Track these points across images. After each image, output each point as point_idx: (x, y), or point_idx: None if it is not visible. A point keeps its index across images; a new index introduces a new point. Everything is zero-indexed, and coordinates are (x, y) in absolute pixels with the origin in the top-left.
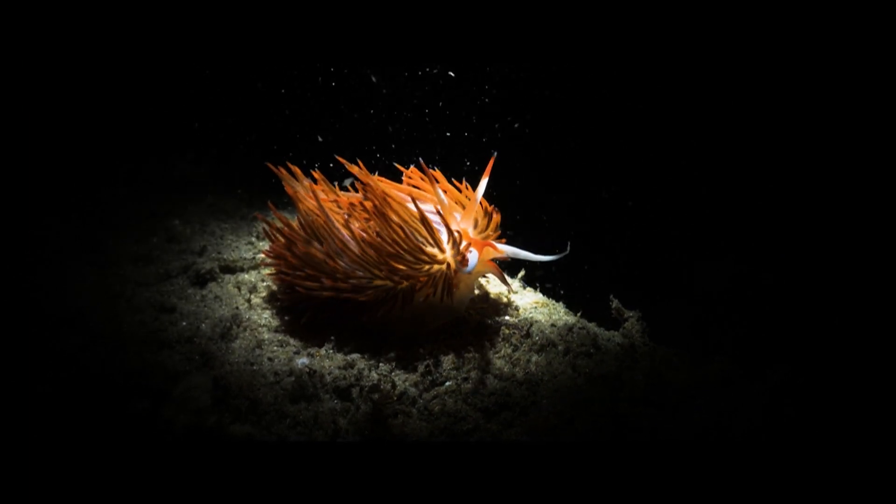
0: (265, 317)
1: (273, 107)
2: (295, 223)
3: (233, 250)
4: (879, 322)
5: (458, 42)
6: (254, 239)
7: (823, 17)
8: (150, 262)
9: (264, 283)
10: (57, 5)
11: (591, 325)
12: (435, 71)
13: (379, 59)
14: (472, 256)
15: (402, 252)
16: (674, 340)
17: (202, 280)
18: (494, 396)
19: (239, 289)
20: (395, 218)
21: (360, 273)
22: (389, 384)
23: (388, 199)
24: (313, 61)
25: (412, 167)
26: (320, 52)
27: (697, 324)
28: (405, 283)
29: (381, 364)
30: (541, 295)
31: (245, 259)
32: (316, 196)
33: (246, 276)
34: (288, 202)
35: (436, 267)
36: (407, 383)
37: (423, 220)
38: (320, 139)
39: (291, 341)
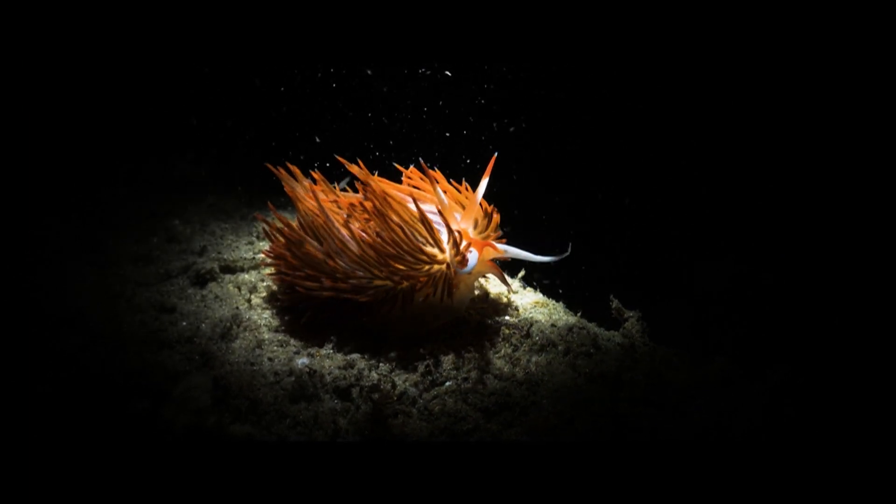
0: (265, 317)
1: (273, 107)
2: (295, 223)
3: (233, 250)
4: (879, 322)
5: (458, 42)
6: (254, 239)
7: (823, 17)
8: (150, 262)
9: (264, 283)
10: (57, 5)
11: (592, 325)
12: (428, 73)
13: (379, 59)
14: (472, 256)
15: (401, 252)
16: (674, 340)
17: (202, 280)
18: (494, 396)
19: (239, 289)
20: (395, 218)
21: (360, 273)
22: (389, 384)
23: (388, 199)
24: (312, 61)
25: (411, 167)
26: (319, 51)
27: (697, 324)
28: (405, 284)
29: (381, 364)
30: (541, 295)
31: (245, 259)
32: (316, 196)
33: (246, 276)
34: (288, 202)
35: (436, 267)
36: (407, 383)
37: (423, 220)
38: (318, 140)
39: (291, 341)
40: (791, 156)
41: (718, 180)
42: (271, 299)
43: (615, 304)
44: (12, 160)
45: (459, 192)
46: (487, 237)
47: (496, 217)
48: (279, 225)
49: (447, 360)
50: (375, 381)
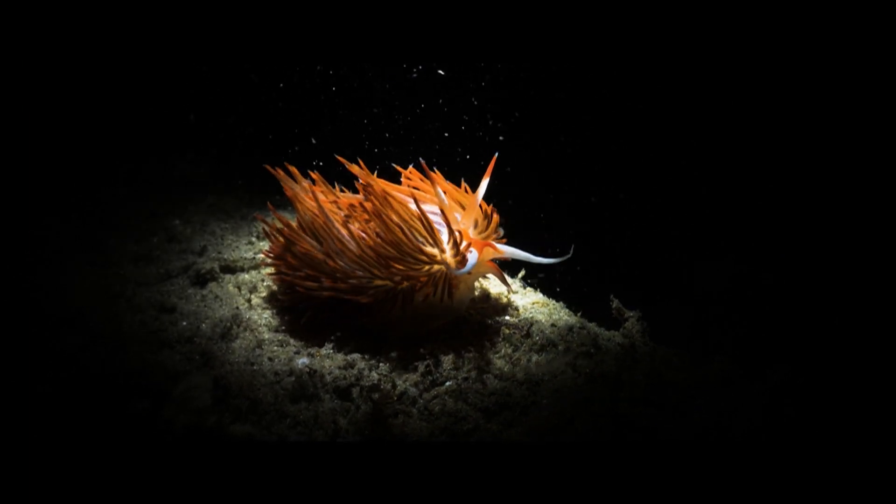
0: (265, 317)
1: (272, 107)
2: (294, 223)
3: (233, 250)
4: (879, 322)
5: (458, 42)
6: (254, 239)
7: (823, 17)
8: (150, 262)
9: (264, 283)
10: (57, 5)
11: (592, 325)
12: (415, 71)
13: (378, 59)
14: (472, 256)
15: (401, 252)
16: (674, 340)
17: (202, 280)
18: (495, 396)
19: (239, 289)
20: (395, 217)
21: (360, 273)
22: (390, 384)
23: (389, 199)
24: (311, 60)
25: (410, 167)
26: (319, 51)
27: (697, 324)
28: (405, 284)
29: (381, 364)
30: (541, 295)
31: (245, 259)
32: (315, 196)
33: (246, 275)
34: (288, 202)
35: (436, 267)
36: (407, 383)
37: (424, 220)
38: (314, 141)
39: (292, 341)
40: (791, 156)
41: (718, 180)
42: (271, 299)
43: (615, 304)
44: (12, 160)
45: (459, 192)
46: (487, 237)
47: (496, 217)
48: (279, 225)
49: (447, 360)
50: (375, 381)
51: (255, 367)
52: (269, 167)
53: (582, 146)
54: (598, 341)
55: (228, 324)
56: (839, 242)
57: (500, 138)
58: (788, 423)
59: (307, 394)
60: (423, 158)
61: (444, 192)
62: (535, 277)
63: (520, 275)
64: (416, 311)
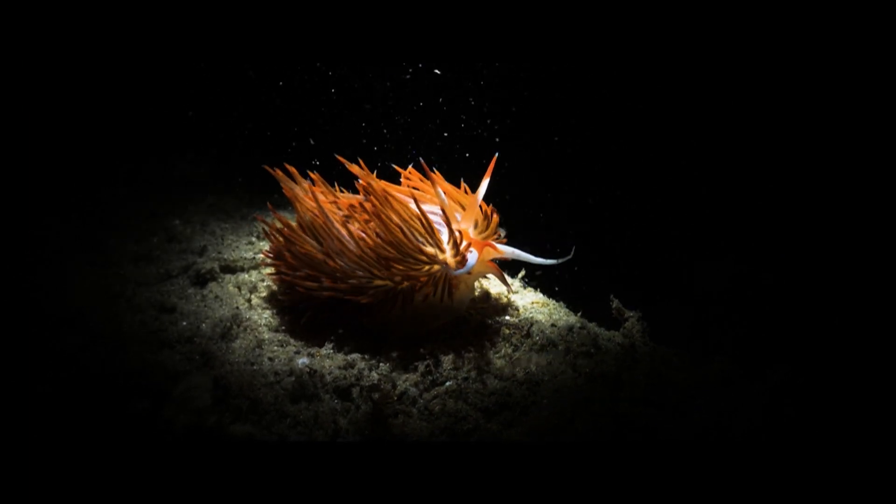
0: (265, 317)
1: (272, 107)
2: (294, 223)
3: (233, 250)
4: (879, 322)
5: (458, 42)
6: (254, 239)
7: (823, 17)
8: (150, 262)
9: (264, 283)
10: (57, 5)
11: (592, 325)
12: (411, 72)
13: (378, 59)
14: (472, 256)
15: (401, 252)
16: (674, 340)
17: (202, 280)
18: (495, 396)
19: (239, 289)
20: (395, 217)
21: (360, 273)
22: (390, 384)
23: (389, 199)
24: (310, 61)
25: (410, 167)
26: (318, 51)
27: (697, 324)
28: (405, 284)
29: (381, 364)
30: (541, 295)
31: (245, 259)
32: (315, 197)
33: (246, 275)
34: (288, 202)
35: (436, 267)
36: (407, 383)
37: (423, 220)
38: (313, 142)
39: (292, 341)
40: (791, 156)
41: (718, 180)
42: (271, 299)
43: (615, 304)
44: (12, 160)
45: (459, 192)
46: (487, 238)
47: (495, 218)
48: (279, 225)
49: (447, 360)
50: (376, 381)
51: (255, 367)
52: (268, 168)
53: (582, 146)
54: (598, 341)
55: (228, 324)
56: (839, 242)
57: (497, 140)
58: (788, 423)
59: (307, 394)
60: (421, 158)
61: (444, 193)
62: (535, 277)
63: (520, 275)
64: (416, 311)
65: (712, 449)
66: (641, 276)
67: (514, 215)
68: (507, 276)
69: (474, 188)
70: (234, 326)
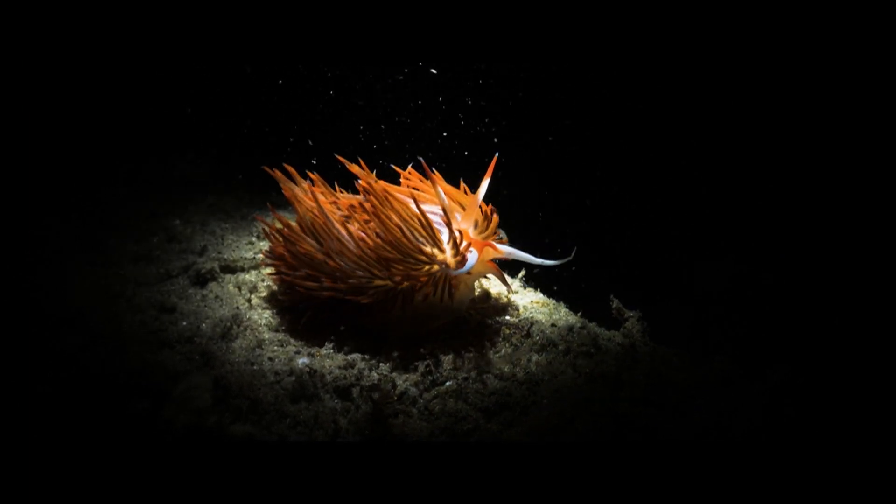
0: (266, 316)
1: (272, 107)
2: (294, 223)
3: (233, 250)
4: (879, 322)
5: (458, 42)
6: (254, 239)
7: (823, 17)
8: (150, 262)
9: (265, 283)
10: (57, 5)
11: (592, 325)
12: (405, 71)
13: (377, 59)
14: (472, 256)
15: (401, 252)
16: (674, 340)
17: (202, 280)
18: (495, 396)
19: (239, 288)
20: (394, 217)
21: (360, 273)
22: (390, 384)
23: (389, 198)
24: (309, 61)
25: (410, 168)
26: (316, 52)
27: (697, 324)
28: (405, 284)
29: (381, 364)
30: (541, 295)
31: (245, 259)
32: (315, 197)
33: (246, 275)
34: (288, 202)
35: (436, 267)
36: (407, 383)
37: (423, 220)
38: (311, 143)
39: (292, 341)
40: (791, 156)
41: (718, 180)
42: (272, 299)
43: (615, 303)
44: (12, 160)
45: (459, 193)
46: (487, 238)
47: (495, 218)
48: (278, 226)
49: (447, 360)
50: (376, 381)
51: (255, 367)
52: (267, 168)
53: (582, 146)
54: (598, 341)
55: (229, 324)
56: (839, 242)
57: (495, 139)
58: (788, 423)
59: (307, 394)
60: (422, 158)
61: (444, 193)
62: (535, 277)
63: (520, 275)
64: (416, 311)
65: (712, 449)
66: (641, 276)
67: (514, 215)
68: (507, 276)
69: (474, 188)
70: (235, 326)
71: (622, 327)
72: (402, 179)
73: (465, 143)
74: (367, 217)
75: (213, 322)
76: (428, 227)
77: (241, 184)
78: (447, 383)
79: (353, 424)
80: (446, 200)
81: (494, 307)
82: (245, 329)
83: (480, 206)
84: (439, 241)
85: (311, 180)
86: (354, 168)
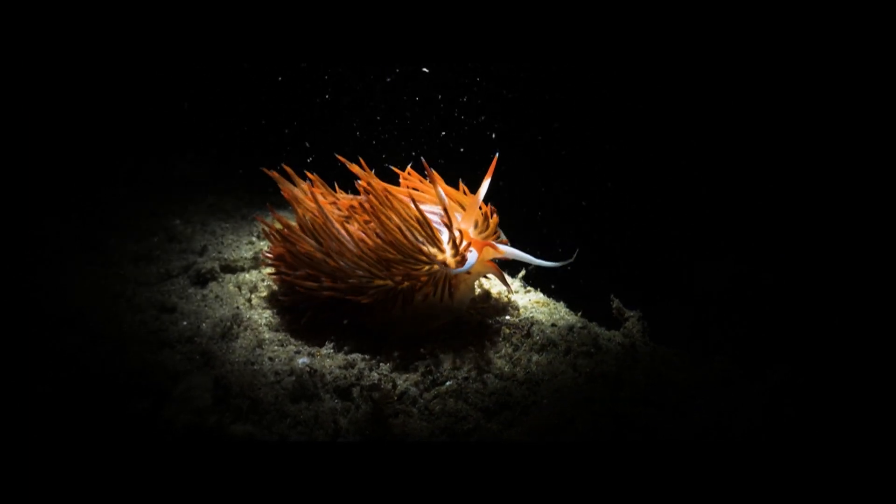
0: (266, 316)
1: (272, 107)
2: (294, 223)
3: (233, 250)
4: (879, 322)
5: (458, 42)
6: (254, 238)
7: (823, 17)
8: (150, 262)
9: (265, 283)
10: (57, 5)
11: (592, 325)
12: (396, 72)
13: (377, 59)
14: (472, 256)
15: (401, 252)
16: (674, 340)
17: (203, 280)
18: (495, 396)
19: (240, 288)
20: (394, 217)
21: (360, 272)
22: (390, 384)
23: (390, 198)
24: (309, 61)
25: (409, 168)
26: (316, 52)
27: (697, 324)
28: (406, 284)
29: (381, 364)
30: (541, 294)
31: (246, 259)
32: (315, 197)
33: (246, 275)
34: (288, 202)
35: (436, 266)
36: (407, 383)
37: (423, 220)
38: (308, 145)
39: (292, 341)
40: (791, 156)
41: (718, 180)
42: (272, 299)
43: (616, 303)
44: (12, 160)
45: (458, 194)
46: (487, 238)
47: (495, 218)
48: (278, 226)
49: (448, 360)
50: (376, 381)
51: (255, 367)
52: (266, 170)
53: (582, 146)
54: (598, 341)
55: (229, 323)
56: (839, 242)
57: (493, 135)
58: (788, 423)
59: (307, 393)
60: (423, 158)
61: (444, 193)
62: (536, 277)
63: (520, 274)
64: (417, 311)
65: (712, 449)
66: (641, 276)
67: (514, 215)
68: (507, 276)
69: (473, 189)
70: (235, 326)
71: (622, 327)
72: (401, 180)
73: (465, 143)
74: (367, 217)
75: (213, 322)
76: (427, 226)
77: (241, 184)
78: (447, 383)
79: (353, 424)
80: (446, 200)
81: (494, 307)
82: (245, 329)
83: (480, 207)
84: (439, 241)
85: (310, 181)
86: (355, 168)
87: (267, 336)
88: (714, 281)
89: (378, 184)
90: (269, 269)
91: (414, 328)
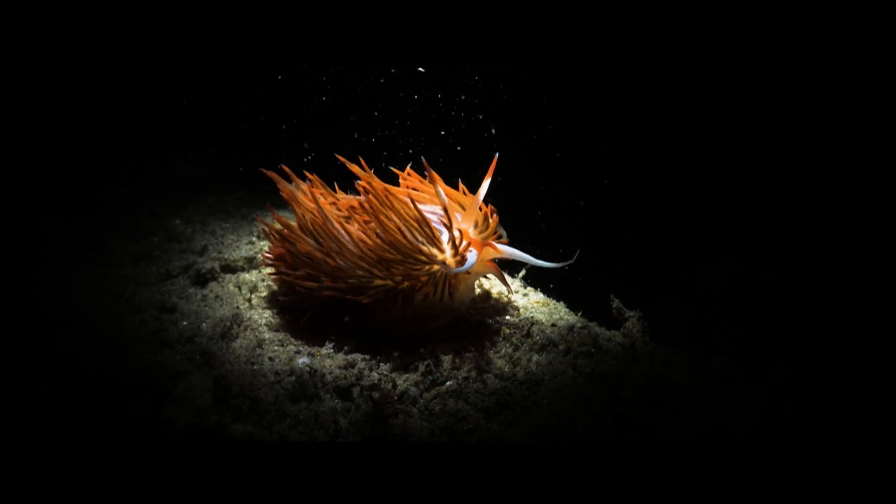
0: (266, 316)
1: (273, 107)
2: (294, 223)
3: (233, 250)
4: (879, 322)
5: (459, 42)
6: (254, 238)
7: (823, 17)
8: (150, 262)
9: (265, 283)
10: (57, 5)
11: (592, 325)
12: (393, 72)
13: (377, 59)
14: (471, 256)
15: (401, 253)
16: (674, 340)
17: (203, 279)
18: (495, 396)
19: (240, 288)
20: (394, 218)
21: (360, 272)
22: (390, 384)
23: (390, 197)
24: (309, 61)
25: (408, 168)
26: (315, 52)
27: (697, 324)
28: (406, 284)
29: (381, 364)
30: (541, 294)
31: (246, 258)
32: (314, 197)
33: (247, 275)
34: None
35: (436, 266)
36: (407, 383)
37: (423, 220)
38: (306, 146)
39: (292, 341)
40: (791, 156)
41: (718, 180)
42: (272, 299)
43: (616, 303)
44: (12, 160)
45: (458, 194)
46: (487, 238)
47: (495, 218)
48: (278, 227)
49: (448, 360)
50: (376, 381)
51: (255, 367)
52: (265, 171)
53: (582, 146)
54: (598, 341)
55: (229, 323)
56: (839, 242)
57: (491, 132)
58: (788, 423)
59: (308, 393)
60: (423, 158)
61: (444, 193)
62: (536, 277)
63: (520, 275)
64: (417, 311)
65: (712, 449)
66: (641, 276)
67: (514, 215)
68: (507, 276)
69: (473, 189)
70: (235, 326)
71: (622, 327)
72: (400, 180)
73: (464, 143)
74: (367, 217)
75: (213, 322)
76: (427, 226)
77: (241, 184)
78: (447, 383)
79: (353, 424)
80: (446, 200)
81: (494, 307)
82: (245, 329)
83: (480, 207)
84: (439, 241)
85: (310, 181)
86: (355, 168)
87: (267, 336)
88: (714, 281)
89: (378, 184)
90: (269, 269)
91: (414, 328)
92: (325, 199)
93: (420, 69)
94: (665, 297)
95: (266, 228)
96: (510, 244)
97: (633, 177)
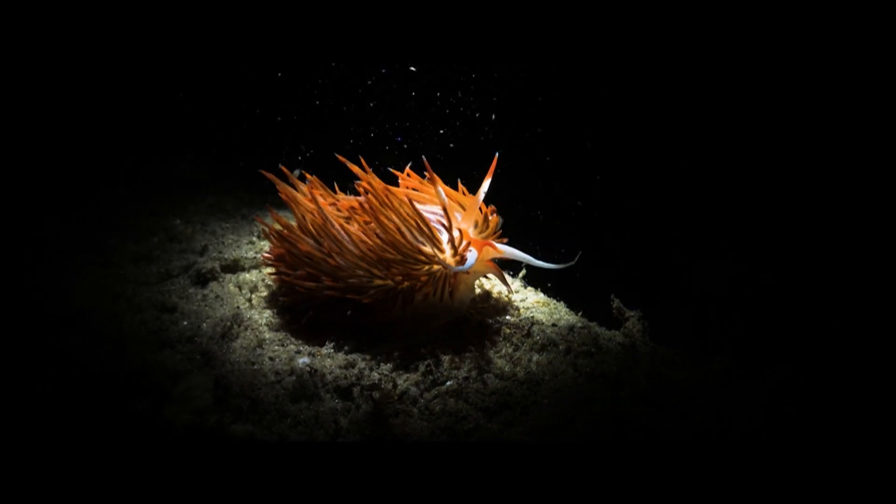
0: (266, 316)
1: (273, 107)
2: (294, 223)
3: (234, 250)
4: (879, 322)
5: (458, 42)
6: (255, 238)
7: (823, 17)
8: (150, 262)
9: (265, 283)
10: (57, 5)
11: (593, 325)
12: (384, 71)
13: (376, 59)
14: (471, 255)
15: (401, 253)
16: (674, 340)
17: (203, 279)
18: (495, 396)
19: (240, 288)
20: (394, 218)
21: (360, 272)
22: (390, 384)
23: (390, 197)
24: (309, 61)
25: (407, 168)
26: (315, 52)
27: (697, 324)
28: (406, 283)
29: (381, 363)
30: (542, 294)
31: (246, 258)
32: (314, 197)
33: (247, 275)
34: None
35: (436, 266)
36: (408, 383)
37: (423, 220)
38: (304, 147)
39: (292, 341)
40: (791, 156)
41: (718, 180)
42: (272, 299)
43: (616, 303)
44: (12, 160)
45: (458, 195)
46: (487, 238)
47: (495, 218)
48: (278, 227)
49: (448, 360)
50: (376, 381)
51: (255, 367)
52: (264, 172)
53: (582, 146)
54: (598, 341)
55: (229, 323)
56: (839, 242)
57: (490, 131)
58: (788, 423)
59: (308, 393)
60: (424, 157)
61: (444, 193)
62: (536, 277)
63: (520, 274)
64: (417, 311)
65: (712, 449)
66: (641, 276)
67: (514, 215)
68: (507, 276)
69: (473, 189)
70: (235, 326)
71: (622, 327)
72: (400, 180)
73: (464, 143)
74: (367, 217)
75: (213, 322)
76: (427, 226)
77: (241, 184)
78: (448, 383)
79: (353, 424)
80: (446, 199)
81: (495, 307)
82: (245, 329)
83: (481, 208)
84: (439, 240)
85: (309, 181)
86: (355, 168)
87: (267, 336)
88: (714, 281)
89: (378, 184)
90: (270, 269)
91: (414, 328)
92: (325, 199)
93: (412, 68)
94: (665, 297)
95: (266, 229)
96: (510, 244)
97: (633, 177)
